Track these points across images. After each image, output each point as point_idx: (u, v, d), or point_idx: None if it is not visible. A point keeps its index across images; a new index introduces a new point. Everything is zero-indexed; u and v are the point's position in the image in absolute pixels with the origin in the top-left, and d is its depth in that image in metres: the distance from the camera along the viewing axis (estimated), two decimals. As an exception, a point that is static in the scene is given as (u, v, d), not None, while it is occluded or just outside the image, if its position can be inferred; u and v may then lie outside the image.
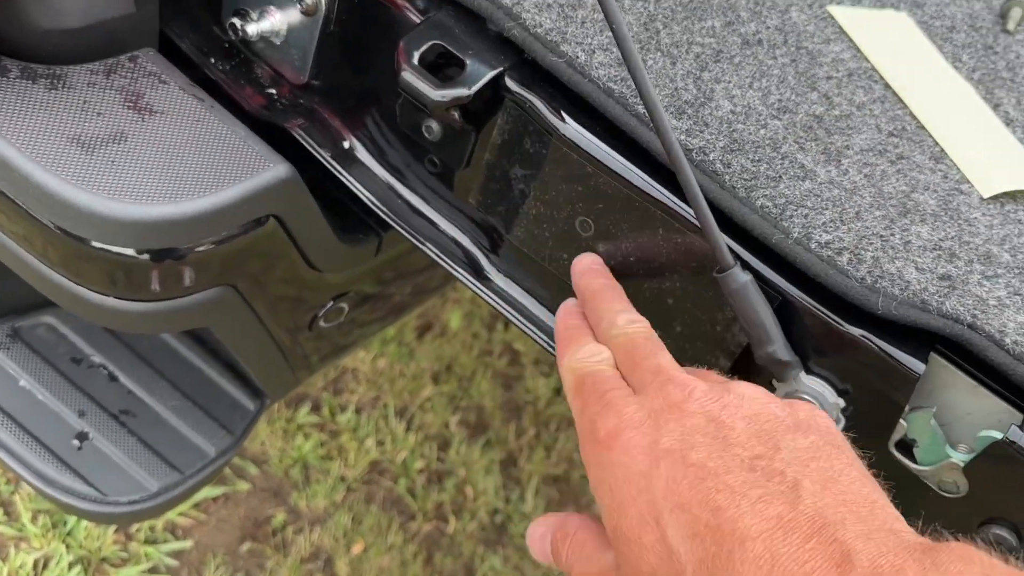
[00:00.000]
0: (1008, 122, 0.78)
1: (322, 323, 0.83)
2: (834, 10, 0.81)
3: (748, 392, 0.48)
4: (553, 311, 0.69)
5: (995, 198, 0.68)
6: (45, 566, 1.50)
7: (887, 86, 0.75)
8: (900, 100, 0.74)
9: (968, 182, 0.69)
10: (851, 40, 0.78)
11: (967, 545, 0.40)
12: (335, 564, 1.69)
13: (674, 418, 0.46)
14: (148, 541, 1.59)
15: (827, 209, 0.59)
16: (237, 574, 1.62)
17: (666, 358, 0.51)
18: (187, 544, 1.62)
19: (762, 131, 0.64)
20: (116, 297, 0.64)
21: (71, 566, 1.50)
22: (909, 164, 0.67)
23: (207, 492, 1.68)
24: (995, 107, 0.79)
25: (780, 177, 0.60)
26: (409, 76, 0.63)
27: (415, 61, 0.63)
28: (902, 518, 0.44)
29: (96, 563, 1.54)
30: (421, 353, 2.00)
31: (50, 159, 0.59)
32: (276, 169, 0.65)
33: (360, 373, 1.95)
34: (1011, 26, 0.91)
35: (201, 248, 0.64)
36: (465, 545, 1.78)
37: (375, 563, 1.72)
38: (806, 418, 0.47)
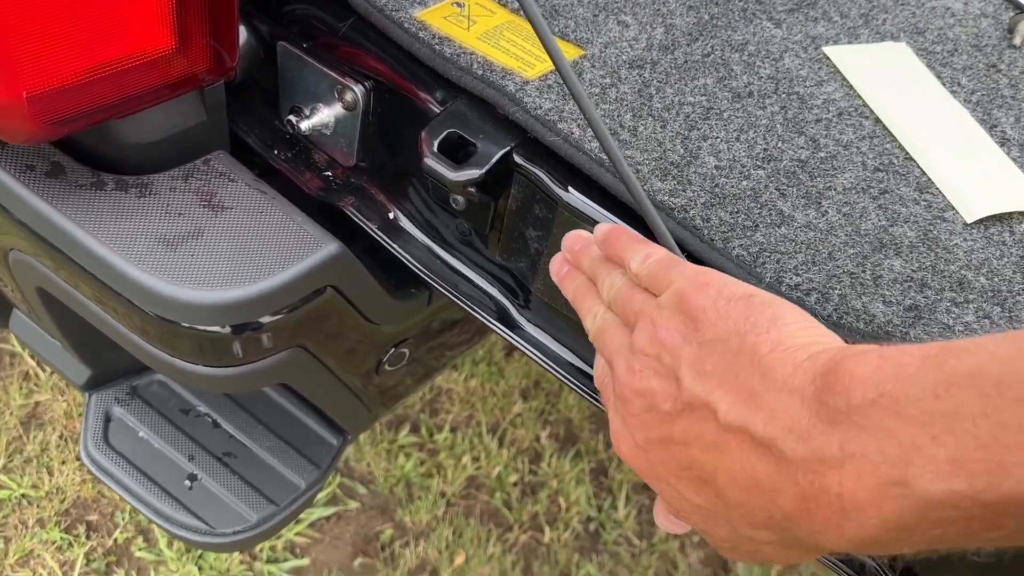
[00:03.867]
0: (1004, 142, 0.82)
1: (387, 367, 0.94)
2: (829, 51, 0.86)
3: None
4: (578, 355, 0.78)
5: (980, 222, 0.73)
6: (182, 586, 1.67)
7: (877, 121, 0.80)
8: (890, 134, 0.79)
9: (953, 209, 0.74)
10: (844, 79, 0.84)
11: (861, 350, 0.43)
12: (440, 575, 1.81)
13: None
14: (270, 560, 1.75)
15: (800, 252, 0.66)
16: (351, 587, 1.76)
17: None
18: (305, 562, 1.77)
19: (744, 182, 0.71)
20: (204, 365, 0.77)
21: (204, 586, 1.67)
22: (892, 198, 0.73)
23: (320, 512, 1.83)
24: (992, 128, 0.83)
25: (757, 225, 0.67)
26: (430, 162, 0.73)
27: (435, 148, 0.73)
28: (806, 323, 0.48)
29: (226, 582, 1.71)
30: (510, 371, 2.11)
31: (142, 258, 0.72)
32: (328, 248, 0.77)
33: (454, 393, 2.07)
34: (1018, 41, 0.94)
35: (272, 319, 0.76)
36: (561, 553, 1.87)
37: (477, 572, 1.83)
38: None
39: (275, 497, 0.95)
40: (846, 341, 0.62)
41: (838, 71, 0.84)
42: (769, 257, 0.65)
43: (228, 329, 0.74)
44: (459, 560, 1.85)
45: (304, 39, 0.84)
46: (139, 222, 0.74)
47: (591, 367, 0.78)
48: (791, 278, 0.64)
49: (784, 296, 0.63)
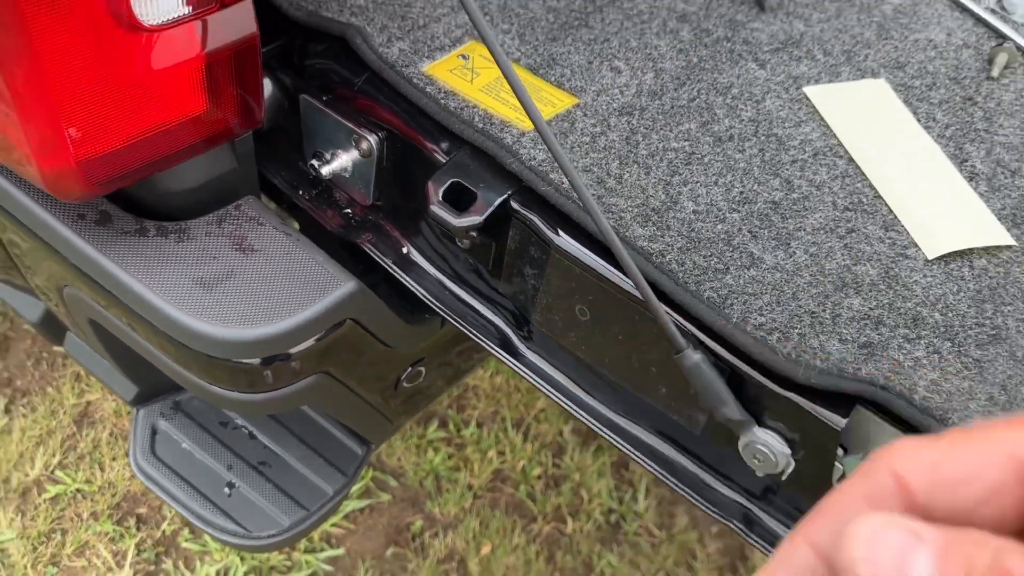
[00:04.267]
0: (973, 176, 0.88)
1: (405, 384, 1.03)
2: (809, 91, 0.93)
3: None
4: (575, 382, 0.86)
5: (941, 258, 0.79)
6: (226, 574, 1.78)
7: (851, 160, 0.87)
8: (862, 172, 0.86)
9: (916, 246, 0.80)
10: (822, 119, 0.90)
11: None
12: (467, 564, 1.91)
13: None
14: (308, 550, 1.85)
15: (765, 293, 0.73)
16: (384, 576, 1.86)
17: None
18: (340, 551, 1.87)
19: (719, 226, 0.78)
20: (238, 391, 0.86)
21: (246, 575, 1.78)
22: (858, 236, 0.80)
23: (355, 504, 1.94)
24: (962, 162, 0.89)
25: (728, 268, 0.75)
26: (436, 209, 0.81)
27: (439, 197, 0.81)
28: None
29: (266, 572, 1.82)
30: (534, 368, 2.19)
31: (182, 300, 0.81)
32: (347, 286, 0.85)
33: (480, 390, 2.16)
34: (995, 72, 0.99)
35: (297, 350, 0.85)
36: (583, 544, 1.96)
37: (502, 562, 1.92)
38: None
39: (305, 503, 1.04)
40: (800, 377, 0.69)
41: (816, 111, 0.91)
42: (737, 299, 0.73)
43: (258, 361, 0.83)
44: (485, 550, 1.94)
45: (324, 92, 0.92)
46: (178, 266, 0.83)
47: (587, 394, 0.86)
48: (756, 318, 0.71)
49: (749, 336, 0.71)
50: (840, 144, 0.88)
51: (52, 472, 1.84)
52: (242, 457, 1.06)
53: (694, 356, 0.71)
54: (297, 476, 1.06)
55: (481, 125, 0.83)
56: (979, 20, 1.06)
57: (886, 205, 0.83)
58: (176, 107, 0.79)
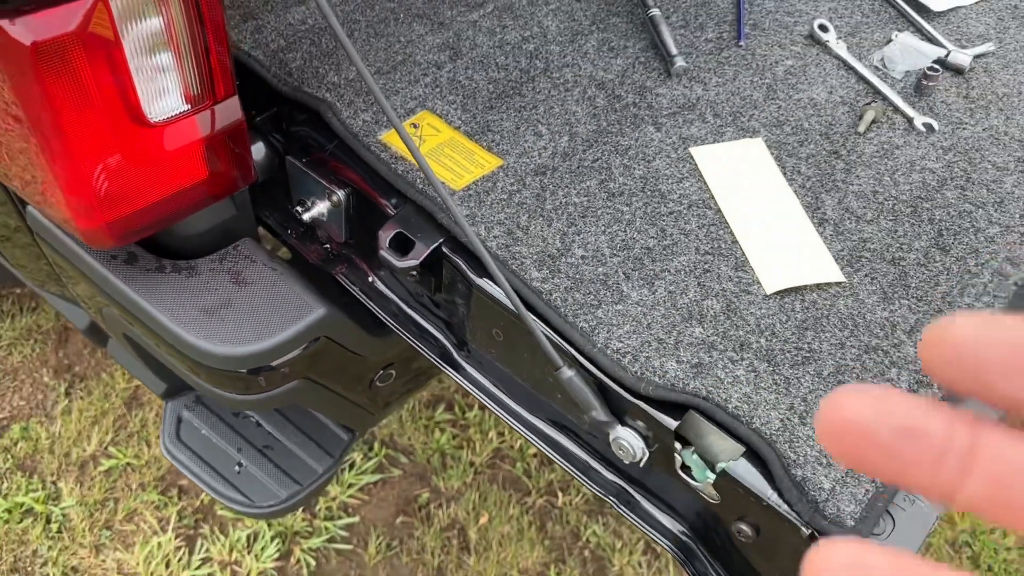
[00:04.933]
0: (822, 222, 1.08)
1: (378, 384, 1.27)
2: (694, 151, 1.13)
3: None
4: (508, 393, 1.08)
5: (778, 293, 1.00)
6: (255, 539, 2.05)
7: (718, 211, 1.07)
8: (725, 221, 1.06)
9: (759, 283, 1.01)
10: (701, 175, 1.10)
11: None
12: (467, 532, 2.15)
13: None
14: (327, 518, 2.11)
15: (626, 324, 0.95)
16: (393, 542, 2.11)
17: None
18: (355, 519, 2.13)
19: (600, 268, 1.00)
20: (237, 394, 1.10)
21: (272, 539, 2.05)
22: (711, 276, 1.00)
23: (369, 478, 2.19)
24: (815, 210, 1.09)
25: (600, 303, 0.96)
26: (383, 253, 1.04)
27: (386, 244, 1.04)
28: None
29: (290, 536, 2.08)
30: (531, 358, 2.42)
31: (190, 325, 1.05)
32: (318, 311, 1.09)
33: (483, 377, 2.39)
34: (861, 128, 1.18)
35: (280, 362, 1.09)
36: (572, 515, 2.19)
37: (498, 531, 2.16)
38: None
39: (300, 479, 1.29)
40: (642, 390, 0.90)
41: (697, 168, 1.11)
42: (603, 328, 0.94)
43: (247, 371, 1.07)
44: (483, 520, 2.18)
45: (304, 153, 1.15)
46: (188, 297, 1.08)
47: (507, 395, 1.08)
48: (615, 344, 0.93)
49: (608, 358, 0.92)
50: (712, 197, 1.08)
51: (106, 448, 2.12)
52: (250, 441, 1.31)
53: (568, 372, 0.93)
54: (294, 457, 1.31)
55: (420, 186, 1.06)
56: (860, 78, 1.25)
57: (741, 249, 1.03)
58: (184, 176, 1.03)
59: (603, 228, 1.04)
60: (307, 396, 1.18)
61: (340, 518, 2.11)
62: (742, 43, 1.28)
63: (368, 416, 1.33)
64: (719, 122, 1.17)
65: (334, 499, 2.13)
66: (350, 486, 2.17)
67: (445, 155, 1.10)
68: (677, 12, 1.33)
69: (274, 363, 1.08)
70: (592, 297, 0.97)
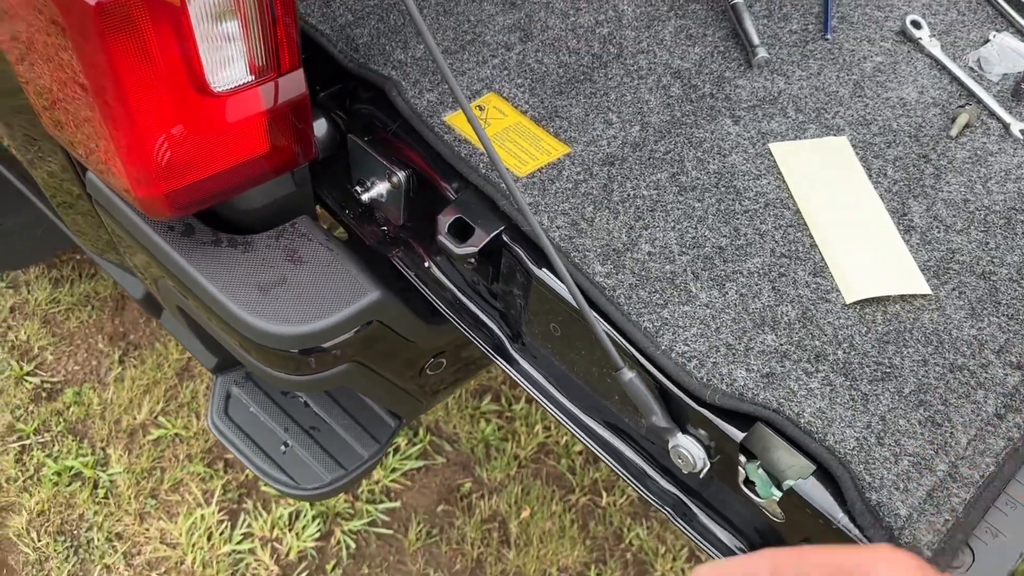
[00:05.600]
0: (908, 230, 1.01)
1: (428, 372, 1.23)
2: (774, 147, 1.07)
3: None
4: (561, 389, 1.04)
5: (858, 303, 0.94)
6: (297, 517, 2.05)
7: (797, 211, 1.01)
8: (804, 223, 1.00)
9: (838, 291, 0.95)
10: (779, 173, 1.05)
11: None
12: (508, 525, 2.12)
13: None
14: (369, 501, 2.10)
15: (693, 327, 0.90)
16: (433, 530, 2.09)
17: None
18: (397, 504, 2.11)
19: (668, 266, 0.95)
20: (287, 374, 1.08)
21: (314, 519, 2.04)
22: (787, 281, 0.95)
23: (412, 464, 2.17)
24: (902, 216, 1.02)
25: (666, 303, 0.91)
26: (442, 239, 1.01)
27: (445, 230, 1.00)
28: None
29: (332, 516, 2.07)
30: (583, 352, 2.38)
31: (244, 301, 1.03)
32: (372, 294, 1.06)
33: (533, 369, 2.35)
34: (953, 132, 1.11)
35: (331, 344, 1.06)
36: (615, 516, 2.15)
37: (540, 527, 2.13)
38: None
39: (345, 463, 1.26)
40: (708, 398, 0.85)
41: (776, 166, 1.05)
42: (669, 329, 0.90)
43: (300, 352, 1.05)
44: (525, 514, 2.15)
45: (366, 132, 1.12)
46: (243, 272, 1.05)
47: (560, 392, 1.04)
48: (680, 347, 0.88)
49: (672, 361, 0.88)
50: (791, 197, 1.02)
51: (156, 417, 2.14)
52: (297, 422, 1.29)
53: (629, 374, 0.89)
54: (340, 440, 1.29)
55: (483, 171, 1.02)
56: (954, 79, 1.18)
57: (819, 253, 0.98)
58: (246, 149, 1.01)
59: (673, 224, 0.99)
60: (356, 380, 1.15)
61: (382, 502, 2.10)
62: (828, 36, 1.22)
63: (416, 403, 1.30)
64: (801, 118, 1.11)
65: (377, 482, 2.12)
66: (393, 471, 2.15)
67: (510, 140, 1.06)
68: (760, 1, 1.27)
69: (325, 345, 1.05)
70: (658, 296, 0.92)
